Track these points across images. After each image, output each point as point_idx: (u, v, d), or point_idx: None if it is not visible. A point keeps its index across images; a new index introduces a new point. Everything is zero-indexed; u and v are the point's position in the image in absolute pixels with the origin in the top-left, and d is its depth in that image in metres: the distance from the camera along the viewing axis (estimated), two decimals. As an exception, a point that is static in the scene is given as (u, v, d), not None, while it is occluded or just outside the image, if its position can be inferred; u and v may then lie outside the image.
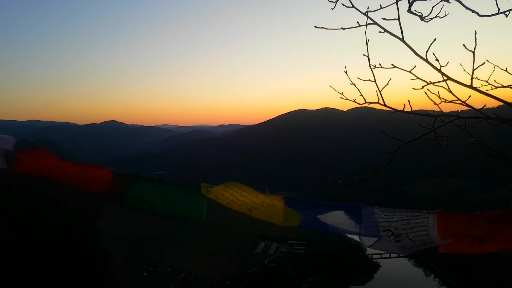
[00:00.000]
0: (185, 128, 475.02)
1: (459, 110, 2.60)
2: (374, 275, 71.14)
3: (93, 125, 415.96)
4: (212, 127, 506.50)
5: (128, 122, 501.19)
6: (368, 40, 2.16)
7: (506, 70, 2.27)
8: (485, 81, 2.24)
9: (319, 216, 2.43)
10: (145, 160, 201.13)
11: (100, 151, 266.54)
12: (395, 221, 2.36)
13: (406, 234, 2.33)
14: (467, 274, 61.98)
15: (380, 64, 2.26)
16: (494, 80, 2.25)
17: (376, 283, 67.62)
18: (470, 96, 2.22)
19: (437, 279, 68.16)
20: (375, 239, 2.40)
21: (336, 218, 2.47)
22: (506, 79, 2.23)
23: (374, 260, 76.72)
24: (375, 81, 2.32)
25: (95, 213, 52.06)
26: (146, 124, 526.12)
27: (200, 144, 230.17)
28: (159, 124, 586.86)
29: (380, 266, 74.49)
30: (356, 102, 2.49)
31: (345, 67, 2.43)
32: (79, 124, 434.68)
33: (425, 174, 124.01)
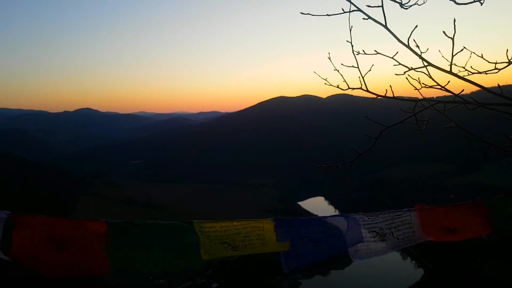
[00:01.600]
0: (163, 116, 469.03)
1: (438, 96, 2.74)
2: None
3: (66, 113, 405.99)
4: (191, 114, 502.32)
5: (102, 110, 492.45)
6: (352, 27, 2.22)
7: (481, 57, 2.38)
8: (462, 67, 2.33)
9: (308, 233, 2.47)
10: (122, 149, 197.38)
11: (75, 139, 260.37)
12: (379, 222, 2.47)
13: (391, 233, 2.46)
14: (442, 256, 64.22)
15: (363, 51, 2.30)
16: (471, 67, 2.35)
17: (355, 267, 69.19)
18: (449, 82, 2.34)
19: (413, 261, 70.41)
20: (362, 246, 2.50)
21: (324, 231, 2.49)
22: (482, 66, 2.34)
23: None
24: (358, 67, 2.38)
25: (70, 203, 50.45)
26: (121, 112, 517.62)
27: (179, 132, 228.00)
28: (136, 111, 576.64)
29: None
30: (339, 88, 2.53)
31: (329, 53, 2.52)
32: (52, 112, 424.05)
33: (402, 160, 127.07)
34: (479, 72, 2.33)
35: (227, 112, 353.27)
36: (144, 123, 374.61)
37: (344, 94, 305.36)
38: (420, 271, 65.57)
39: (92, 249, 2.23)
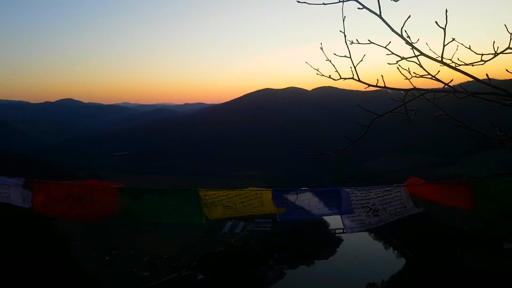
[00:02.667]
0: (147, 107, 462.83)
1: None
2: (337, 249, 74.06)
3: (47, 104, 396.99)
4: (176, 105, 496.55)
5: (85, 100, 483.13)
6: (345, 17, 2.22)
7: (469, 48, 2.40)
8: (449, 59, 2.34)
9: (303, 204, 2.64)
10: (105, 140, 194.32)
11: (57, 131, 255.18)
12: (371, 198, 2.59)
13: (383, 209, 2.57)
14: (423, 246, 65.82)
15: (357, 40, 2.31)
16: (458, 59, 2.35)
17: (339, 257, 70.47)
18: (439, 71, 2.34)
19: (395, 251, 71.96)
20: (356, 219, 2.61)
21: (318, 202, 2.66)
22: (469, 58, 2.35)
23: (337, 234, 79.67)
24: (350, 57, 2.37)
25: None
26: (104, 102, 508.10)
27: (164, 123, 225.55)
28: (119, 102, 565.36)
29: (343, 240, 77.50)
30: (331, 78, 2.50)
31: (321, 43, 2.50)
32: (33, 102, 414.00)
33: (384, 152, 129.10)
34: (466, 64, 2.34)
35: (212, 104, 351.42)
36: (128, 114, 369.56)
37: (328, 87, 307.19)
38: (402, 261, 67.11)
39: (106, 204, 2.65)
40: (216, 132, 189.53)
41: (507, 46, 2.48)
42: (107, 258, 62.40)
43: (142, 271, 58.96)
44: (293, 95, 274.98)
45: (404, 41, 2.21)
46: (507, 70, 2.68)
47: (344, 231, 2.71)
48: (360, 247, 73.32)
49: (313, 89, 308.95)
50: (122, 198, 2.64)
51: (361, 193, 2.59)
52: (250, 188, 2.63)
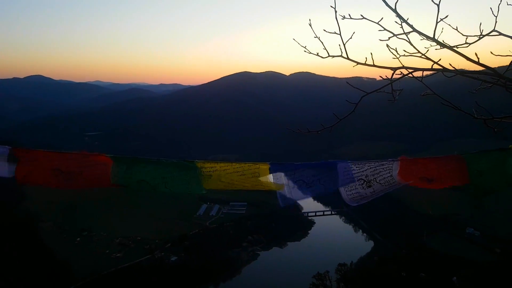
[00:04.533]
0: (121, 86, 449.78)
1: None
2: (309, 231, 75.76)
3: (16, 80, 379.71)
4: (151, 85, 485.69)
5: (55, 77, 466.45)
6: None
7: (456, 29, 2.40)
8: (432, 39, 2.32)
9: (302, 177, 2.65)
10: (77, 119, 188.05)
11: (26, 108, 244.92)
12: (365, 170, 2.70)
13: (374, 179, 2.68)
14: (391, 229, 68.26)
15: (349, 15, 2.25)
16: (443, 41, 2.35)
17: (311, 239, 72.18)
18: (428, 50, 2.34)
19: (364, 234, 74.33)
20: (353, 192, 2.70)
21: (316, 175, 2.68)
22: (456, 40, 2.35)
23: (309, 217, 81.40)
24: (340, 34, 2.31)
25: (21, 176, 48.47)
26: (76, 80, 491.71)
27: (138, 103, 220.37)
28: (91, 80, 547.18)
29: (315, 223, 79.29)
30: (319, 56, 2.47)
31: (309, 19, 2.46)
32: (0, 78, 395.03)
33: (357, 138, 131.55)
34: (451, 47, 2.34)
35: (189, 85, 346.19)
36: (100, 93, 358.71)
37: (306, 72, 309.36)
38: (371, 243, 69.49)
39: (99, 175, 2.51)
40: (192, 114, 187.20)
41: (493, 28, 2.53)
42: (78, 239, 61.39)
43: (115, 253, 58.41)
44: (271, 79, 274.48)
45: (396, 16, 2.18)
46: (491, 53, 2.72)
47: (346, 203, 2.79)
48: (331, 229, 75.29)
49: (291, 74, 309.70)
50: (116, 167, 2.53)
51: (356, 167, 2.67)
52: (247, 163, 2.60)
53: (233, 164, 2.58)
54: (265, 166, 2.58)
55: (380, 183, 2.66)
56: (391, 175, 2.67)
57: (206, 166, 2.55)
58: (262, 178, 2.58)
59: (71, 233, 62.05)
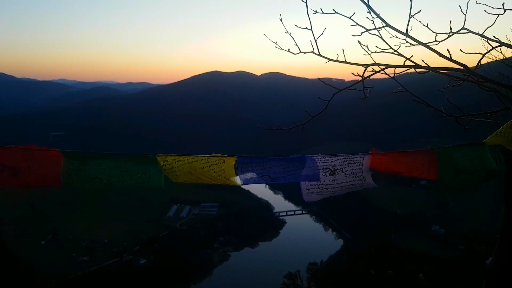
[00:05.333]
0: (86, 84, 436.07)
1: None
2: (280, 231, 76.31)
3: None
4: (118, 84, 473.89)
5: (18, 75, 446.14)
6: None
7: (427, 26, 2.36)
8: (405, 34, 2.29)
9: (268, 171, 2.59)
10: (41, 119, 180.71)
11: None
12: (334, 161, 2.69)
13: (341, 169, 2.67)
14: (359, 228, 69.83)
15: (321, 9, 2.19)
16: (412, 38, 2.34)
17: (282, 238, 72.73)
18: (399, 46, 2.32)
19: (334, 232, 75.68)
20: (314, 184, 2.66)
21: (284, 170, 2.63)
22: (426, 38, 2.35)
23: (281, 217, 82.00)
24: (311, 30, 2.24)
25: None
26: (40, 78, 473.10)
27: (105, 102, 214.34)
28: (56, 78, 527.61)
29: (286, 222, 79.94)
30: (290, 52, 2.42)
31: (280, 14, 2.38)
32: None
33: (326, 139, 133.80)
34: (423, 43, 2.33)
35: (158, 84, 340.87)
36: (65, 91, 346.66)
37: (277, 72, 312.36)
38: (340, 242, 70.83)
39: (48, 173, 2.27)
40: (162, 114, 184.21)
41: (462, 26, 2.53)
42: (43, 242, 59.05)
43: (81, 256, 56.62)
44: (242, 79, 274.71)
45: (368, 10, 2.13)
46: (461, 50, 2.72)
47: (304, 199, 2.74)
48: (302, 229, 76.15)
49: (262, 74, 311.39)
50: (67, 164, 2.27)
51: (326, 159, 2.64)
52: (214, 154, 2.47)
53: (199, 157, 2.46)
54: (231, 159, 2.50)
55: (345, 173, 2.64)
56: (360, 168, 2.65)
57: (168, 159, 2.38)
58: (226, 169, 2.47)
59: (35, 236, 59.62)
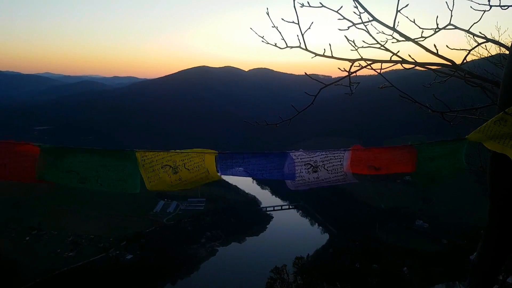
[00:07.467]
0: (72, 78, 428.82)
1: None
2: (267, 226, 76.57)
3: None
4: (104, 78, 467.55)
5: (1, 68, 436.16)
6: None
7: (414, 22, 2.37)
8: (392, 28, 2.29)
9: (248, 168, 2.58)
10: (25, 113, 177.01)
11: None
12: (316, 156, 2.67)
13: (323, 165, 2.66)
14: (345, 222, 70.59)
15: (308, 3, 2.16)
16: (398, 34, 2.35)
17: (269, 233, 73.03)
18: (386, 41, 2.32)
19: (320, 227, 76.32)
20: (297, 178, 2.65)
21: (264, 165, 2.62)
22: (414, 33, 2.35)
23: (268, 212, 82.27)
24: (298, 23, 2.22)
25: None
26: (24, 72, 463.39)
27: (91, 96, 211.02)
28: (40, 72, 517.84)
29: (273, 217, 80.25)
30: (277, 47, 2.37)
31: (267, 8, 2.34)
32: None
33: (313, 134, 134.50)
34: (410, 38, 2.33)
35: (145, 78, 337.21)
36: (50, 85, 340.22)
37: (264, 68, 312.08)
38: (326, 236, 71.48)
39: (23, 168, 2.22)
40: (148, 108, 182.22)
41: (448, 22, 2.53)
42: (27, 238, 58.07)
43: (67, 252, 55.92)
44: (230, 74, 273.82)
45: (356, 5, 2.13)
46: (447, 46, 2.74)
47: (289, 188, 2.69)
48: (288, 223, 76.59)
49: (249, 70, 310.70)
50: (42, 158, 2.20)
51: (307, 154, 2.64)
52: (193, 150, 2.41)
53: (178, 151, 2.40)
54: (211, 155, 2.46)
55: (327, 170, 2.65)
56: (341, 164, 2.67)
57: (147, 154, 2.30)
58: (206, 162, 2.44)
59: (20, 232, 58.63)
